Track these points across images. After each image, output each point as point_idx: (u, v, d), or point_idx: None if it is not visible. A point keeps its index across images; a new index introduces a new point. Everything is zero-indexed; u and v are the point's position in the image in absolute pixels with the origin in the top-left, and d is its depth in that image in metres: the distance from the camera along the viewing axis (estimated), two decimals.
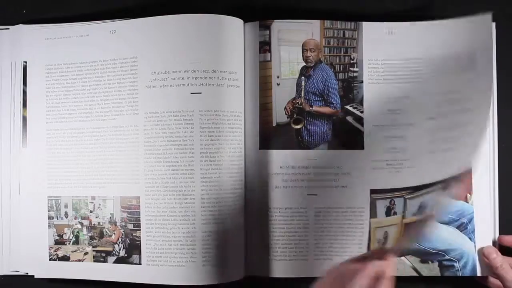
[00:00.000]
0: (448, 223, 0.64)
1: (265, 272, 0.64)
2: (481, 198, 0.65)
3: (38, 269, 0.66)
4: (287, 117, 0.65)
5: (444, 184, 0.56)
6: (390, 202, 0.64)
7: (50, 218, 0.66)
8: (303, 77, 0.66)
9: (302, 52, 0.65)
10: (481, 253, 0.63)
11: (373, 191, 0.64)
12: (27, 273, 0.66)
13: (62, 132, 0.66)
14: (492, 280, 0.64)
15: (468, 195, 0.65)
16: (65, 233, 0.66)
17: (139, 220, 0.64)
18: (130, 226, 0.64)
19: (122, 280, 0.64)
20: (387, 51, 0.65)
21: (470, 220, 0.64)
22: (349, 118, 0.65)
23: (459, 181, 0.55)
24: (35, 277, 0.66)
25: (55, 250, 0.66)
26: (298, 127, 0.65)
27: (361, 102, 0.65)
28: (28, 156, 0.66)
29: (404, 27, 0.65)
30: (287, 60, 0.65)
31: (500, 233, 0.65)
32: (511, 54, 0.67)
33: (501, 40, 0.66)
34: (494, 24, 0.66)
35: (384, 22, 0.65)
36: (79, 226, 0.66)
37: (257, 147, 0.65)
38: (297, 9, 0.68)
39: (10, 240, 0.66)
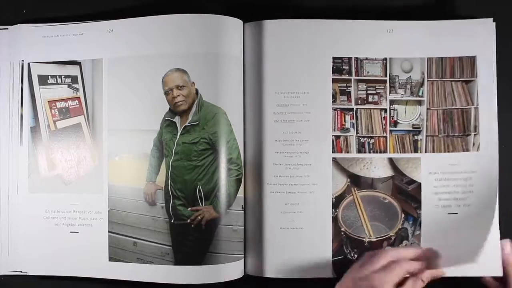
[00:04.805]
0: None
1: (262, 272, 0.64)
2: (482, 199, 0.64)
3: (39, 267, 0.66)
4: None
5: None
6: None
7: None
8: None
9: None
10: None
11: None
12: (26, 272, 0.66)
13: None
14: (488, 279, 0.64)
15: None
16: None
17: None
18: None
19: (119, 278, 0.64)
20: None
21: None
22: None
23: None
24: (33, 274, 0.66)
25: None
26: None
27: None
28: (24, 154, 0.67)
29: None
30: None
31: (500, 234, 0.64)
32: (511, 55, 0.66)
33: (501, 41, 0.65)
34: (494, 24, 0.65)
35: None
36: None
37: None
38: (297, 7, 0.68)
39: (8, 240, 0.67)
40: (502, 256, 0.62)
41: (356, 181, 0.65)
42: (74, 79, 0.67)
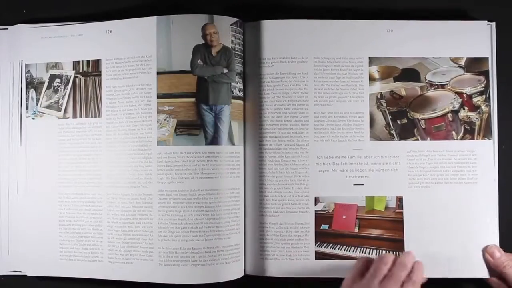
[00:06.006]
0: None
1: (262, 272, 0.64)
2: (482, 199, 0.65)
3: (39, 267, 0.66)
4: None
5: None
6: None
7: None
8: None
9: None
10: (484, 252, 0.63)
11: None
12: (26, 273, 0.66)
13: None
14: (493, 279, 0.63)
15: None
16: None
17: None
18: None
19: (120, 278, 0.64)
20: None
21: None
22: None
23: None
24: (33, 275, 0.66)
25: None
26: None
27: None
28: (24, 154, 0.67)
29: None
30: None
31: (500, 234, 0.64)
32: (510, 55, 0.67)
33: (500, 41, 0.66)
34: (494, 24, 0.66)
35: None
36: None
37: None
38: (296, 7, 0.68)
39: (8, 240, 0.67)
40: (494, 261, 0.62)
41: None
42: None
